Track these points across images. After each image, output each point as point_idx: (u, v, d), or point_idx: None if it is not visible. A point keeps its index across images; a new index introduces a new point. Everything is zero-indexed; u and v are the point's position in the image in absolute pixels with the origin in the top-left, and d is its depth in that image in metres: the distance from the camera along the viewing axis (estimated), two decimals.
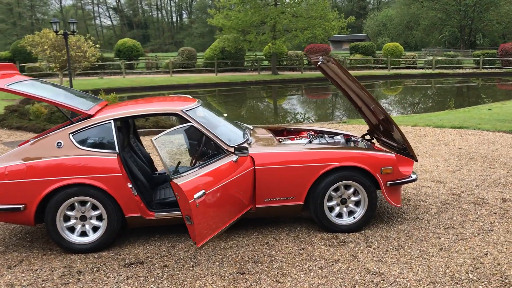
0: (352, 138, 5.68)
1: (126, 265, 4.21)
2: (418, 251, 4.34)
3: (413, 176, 4.96)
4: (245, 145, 4.72)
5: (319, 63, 5.09)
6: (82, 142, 4.52)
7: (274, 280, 3.89)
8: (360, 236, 4.72)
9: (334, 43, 58.03)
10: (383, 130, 5.42)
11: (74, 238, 4.48)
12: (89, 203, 4.44)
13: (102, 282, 3.92)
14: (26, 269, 4.18)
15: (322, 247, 4.49)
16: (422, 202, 5.66)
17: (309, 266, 4.11)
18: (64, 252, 4.50)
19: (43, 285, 3.89)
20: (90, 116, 4.64)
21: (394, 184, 4.80)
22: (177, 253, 4.43)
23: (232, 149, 4.52)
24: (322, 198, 4.70)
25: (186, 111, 4.62)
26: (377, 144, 5.86)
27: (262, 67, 36.10)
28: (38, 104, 11.70)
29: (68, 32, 11.11)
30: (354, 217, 4.84)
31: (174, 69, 34.25)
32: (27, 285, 3.89)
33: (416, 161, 5.24)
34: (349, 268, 4.06)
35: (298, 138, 5.64)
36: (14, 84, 4.53)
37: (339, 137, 5.50)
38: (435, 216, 5.17)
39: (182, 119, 4.63)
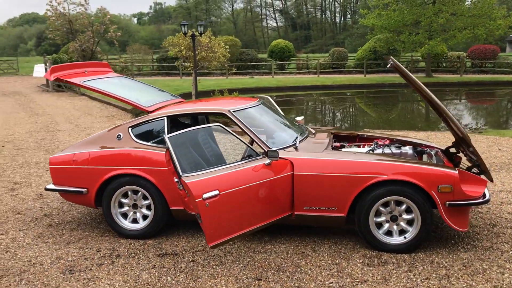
0: (428, 150, 5.12)
1: (160, 255, 4.42)
2: (464, 285, 3.77)
3: (483, 199, 4.29)
4: (291, 149, 4.59)
5: (388, 66, 4.70)
6: (138, 136, 4.86)
7: None
8: (408, 258, 4.25)
9: (511, 43, 52.37)
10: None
11: (126, 223, 4.85)
12: (140, 193, 4.77)
13: (130, 267, 4.19)
14: (79, 247, 4.66)
15: (358, 264, 4.17)
16: (509, 230, 4.87)
17: (330, 283, 3.85)
18: (116, 236, 4.90)
19: (83, 263, 4.30)
20: (149, 113, 4.97)
21: (455, 205, 4.21)
22: (211, 250, 4.51)
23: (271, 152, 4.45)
24: (367, 212, 4.34)
25: (233, 111, 4.66)
26: (464, 158, 5.19)
27: (417, 69, 34.13)
28: None
29: (196, 34, 11.98)
30: (405, 237, 4.39)
31: (324, 70, 34.29)
32: (71, 260, 4.34)
33: (491, 181, 4.53)
34: None
35: (364, 146, 5.27)
36: (89, 81, 5.05)
37: (407, 147, 5.00)
38: None
39: (229, 119, 4.69)
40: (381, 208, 4.37)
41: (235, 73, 33.67)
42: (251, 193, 4.05)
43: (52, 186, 5.03)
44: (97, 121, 13.25)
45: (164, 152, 4.65)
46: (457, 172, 4.21)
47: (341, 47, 43.53)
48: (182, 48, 13.04)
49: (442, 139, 9.66)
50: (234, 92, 12.17)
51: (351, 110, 22.05)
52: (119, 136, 4.90)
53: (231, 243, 4.65)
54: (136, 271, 4.12)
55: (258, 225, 4.16)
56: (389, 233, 4.45)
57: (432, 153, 4.95)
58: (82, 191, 4.85)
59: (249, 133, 4.55)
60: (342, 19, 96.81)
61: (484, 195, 4.36)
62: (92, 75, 5.42)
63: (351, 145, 5.35)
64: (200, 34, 12.29)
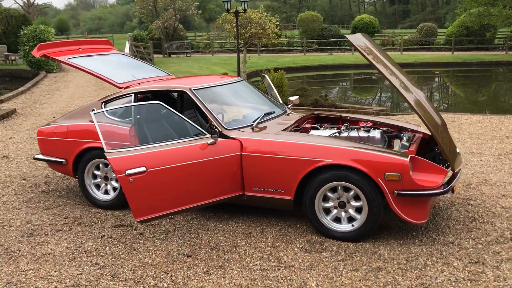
0: (404, 135, 4.78)
1: (115, 226, 4.65)
2: (390, 279, 3.55)
3: (442, 189, 3.96)
4: (247, 129, 4.55)
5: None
6: (109, 111, 5.07)
7: (204, 270, 3.77)
8: (352, 247, 4.07)
9: None
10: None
11: (98, 194, 5.14)
12: (109, 165, 5.00)
13: (82, 235, 4.46)
14: (53, 213, 5.03)
15: (295, 249, 4.07)
16: (487, 226, 4.45)
17: (254, 265, 3.82)
18: (90, 206, 5.20)
19: (45, 228, 4.65)
20: (121, 89, 5.16)
21: (404, 194, 3.93)
22: (164, 224, 4.64)
23: (226, 131, 4.45)
24: (313, 197, 4.20)
25: (194, 89, 4.69)
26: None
27: None
28: None
29: (240, 11, 11.96)
30: (352, 225, 4.19)
31: (410, 47, 32.61)
32: (37, 225, 4.71)
33: (453, 171, 4.15)
34: (288, 277, 3.62)
35: (342, 129, 5.04)
36: (74, 59, 5.34)
37: (376, 131, 4.69)
38: (484, 245, 4.05)
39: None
40: (329, 194, 4.21)
41: (315, 50, 33.18)
42: (189, 171, 4.09)
43: (40, 156, 5.45)
44: None
45: (129, 128, 4.83)
46: (407, 159, 3.91)
47: (440, 22, 40.84)
48: (234, 24, 13.10)
49: None
50: (280, 70, 12.07)
51: (432, 90, 20.80)
52: (93, 111, 5.14)
53: (188, 217, 4.75)
54: (84, 239, 4.38)
55: (198, 203, 4.21)
56: (337, 220, 4.28)
57: (405, 138, 4.61)
58: (62, 162, 5.20)
59: (206, 112, 4.57)
60: None
61: (445, 186, 4.02)
62: (85, 52, 5.71)
63: (326, 127, 5.15)
64: (244, 10, 12.26)
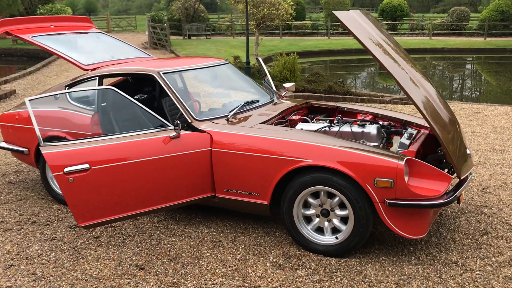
0: (405, 131, 4.07)
1: (71, 227, 4.13)
2: None
3: (445, 199, 3.28)
4: (221, 120, 3.93)
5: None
6: (72, 96, 4.52)
7: (156, 286, 3.20)
8: (334, 264, 3.44)
9: None
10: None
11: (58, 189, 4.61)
12: None
13: (31, 236, 3.96)
14: (10, 208, 4.55)
15: (267, 264, 3.46)
16: (501, 241, 3.75)
17: (214, 283, 3.23)
18: (52, 201, 4.69)
19: None
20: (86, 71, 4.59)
21: (397, 204, 3.26)
22: (128, 228, 4.09)
23: (196, 123, 3.85)
24: (291, 202, 3.58)
25: (162, 73, 4.08)
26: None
27: None
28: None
29: None
30: (336, 237, 3.55)
31: (440, 32, 31.17)
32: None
33: (459, 177, 3.45)
34: None
35: (337, 122, 4.36)
36: (38, 37, 4.79)
37: (373, 126, 3.98)
38: (495, 267, 3.37)
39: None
40: (310, 200, 3.57)
41: (340, 33, 32.07)
42: (145, 169, 3.51)
43: (2, 144, 4.96)
44: None
45: (90, 116, 4.27)
46: (402, 163, 3.23)
47: (474, 6, 39.04)
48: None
49: None
50: (292, 54, 11.33)
51: (461, 78, 19.63)
52: (56, 96, 4.60)
53: (155, 219, 4.19)
54: (31, 242, 3.86)
55: (157, 206, 3.63)
56: (320, 230, 3.64)
57: (406, 135, 3.91)
58: (24, 151, 4.69)
59: (174, 99, 3.96)
60: None
61: (448, 195, 3.34)
62: (57, 30, 5.16)
63: (318, 119, 4.48)
64: None
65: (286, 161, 3.49)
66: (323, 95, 10.40)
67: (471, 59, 24.79)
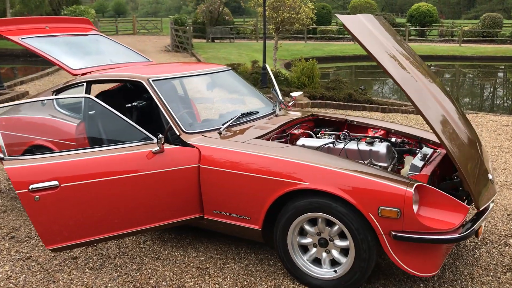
0: (420, 150, 3.61)
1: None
2: None
3: (460, 233, 2.83)
4: (213, 134, 3.56)
5: None
6: (59, 103, 4.22)
7: None
8: None
9: None
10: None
11: None
12: None
13: (5, 254, 3.64)
14: None
15: None
16: None
17: None
18: None
19: None
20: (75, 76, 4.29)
21: (404, 238, 2.83)
22: (110, 248, 3.75)
23: (185, 136, 3.49)
24: (285, 229, 3.18)
25: (153, 80, 3.74)
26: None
27: None
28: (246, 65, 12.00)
29: None
30: (335, 271, 3.13)
31: (471, 38, 30.20)
32: None
33: (477, 208, 2.99)
34: None
35: (343, 137, 3.94)
36: (29, 39, 4.52)
37: (383, 144, 3.53)
38: None
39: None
40: (307, 227, 3.16)
41: None
42: (123, 187, 3.16)
43: None
44: None
45: (75, 125, 3.96)
46: (411, 190, 2.79)
47: (508, 13, 37.84)
48: (266, 8, 11.95)
49: None
50: (311, 60, 10.90)
51: (492, 87, 18.81)
52: (43, 102, 4.31)
53: (141, 239, 3.84)
54: (3, 260, 3.56)
55: (136, 228, 3.27)
56: (317, 261, 3.23)
57: (419, 155, 3.45)
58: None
59: (162, 109, 3.61)
60: None
61: (463, 228, 2.89)
62: (52, 32, 4.88)
63: (324, 134, 4.06)
64: None
65: (280, 182, 3.10)
66: (341, 103, 9.94)
67: (503, 67, 23.86)
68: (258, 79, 10.93)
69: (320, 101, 9.93)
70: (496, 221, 4.21)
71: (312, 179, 3.01)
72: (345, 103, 9.93)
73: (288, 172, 3.08)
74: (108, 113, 3.26)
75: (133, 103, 5.01)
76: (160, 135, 3.21)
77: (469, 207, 2.91)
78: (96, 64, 4.60)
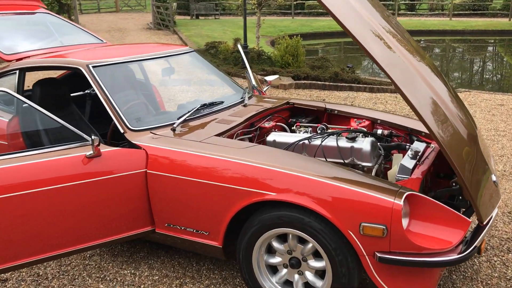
0: (410, 146, 3.07)
1: None
2: None
3: (449, 256, 2.30)
4: (165, 131, 2.98)
5: None
6: None
7: None
8: None
9: None
10: None
11: None
12: None
13: None
14: None
15: None
16: None
17: None
18: None
19: None
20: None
21: (391, 261, 2.30)
22: (49, 266, 3.20)
23: (129, 134, 2.92)
24: (249, 246, 2.64)
25: (93, 66, 3.13)
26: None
27: None
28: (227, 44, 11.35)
29: None
30: None
31: (462, 12, 29.53)
32: None
33: (481, 222, 2.46)
34: None
35: (320, 131, 3.38)
36: None
37: (367, 140, 2.98)
38: None
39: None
40: (276, 244, 2.63)
41: None
42: (54, 200, 2.59)
43: None
44: None
45: (6, 121, 3.36)
46: (401, 202, 2.25)
47: None
48: None
49: None
50: (295, 37, 10.24)
51: (482, 62, 18.26)
52: None
53: (87, 254, 3.29)
54: None
55: (74, 247, 2.71)
56: (288, 284, 2.70)
57: (409, 153, 2.90)
58: None
59: (103, 100, 3.02)
60: None
61: (463, 247, 2.36)
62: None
63: (300, 126, 3.50)
64: None
65: (243, 192, 2.54)
66: (327, 83, 9.34)
67: (493, 41, 23.31)
68: (239, 58, 10.29)
69: (305, 81, 9.33)
70: (496, 220, 3.71)
71: (280, 188, 2.46)
72: (331, 83, 9.33)
73: (252, 179, 2.53)
74: (29, 108, 2.66)
75: (87, 91, 4.42)
76: (94, 136, 2.63)
77: (470, 220, 2.37)
78: (38, 47, 3.98)
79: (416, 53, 2.94)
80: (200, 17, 27.41)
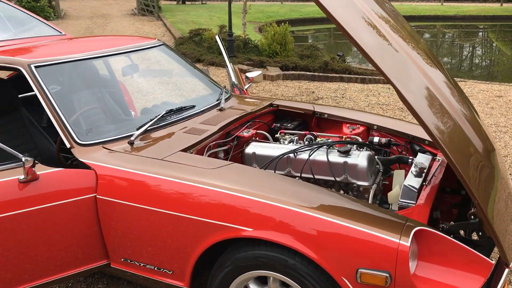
0: (414, 161, 2.59)
1: None
2: None
3: None
4: (121, 145, 2.48)
5: None
6: None
7: None
8: None
9: None
10: None
11: None
12: None
13: None
14: None
15: None
16: None
17: None
18: None
19: None
20: None
21: None
22: None
23: (78, 150, 2.40)
24: None
25: (36, 66, 2.60)
26: None
27: None
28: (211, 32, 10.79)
29: None
30: None
31: None
32: None
33: (507, 265, 1.99)
34: None
35: (303, 139, 2.89)
36: None
37: (361, 155, 2.50)
38: None
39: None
40: (253, 287, 2.15)
41: None
42: None
43: None
44: None
45: None
46: (408, 243, 1.78)
47: None
48: None
49: None
50: (283, 24, 9.69)
51: (473, 49, 17.83)
52: None
53: None
54: None
55: (22, 286, 2.22)
56: None
57: (414, 169, 2.42)
58: None
59: (46, 109, 2.50)
60: None
61: None
62: None
63: (284, 134, 3.01)
64: None
65: (212, 226, 2.06)
66: (316, 73, 8.83)
67: (483, 27, 22.88)
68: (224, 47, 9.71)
69: (293, 72, 8.81)
70: None
71: (258, 222, 1.97)
72: (321, 74, 8.83)
73: (224, 210, 2.04)
74: None
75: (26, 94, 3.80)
76: (27, 156, 2.11)
77: (492, 262, 1.91)
78: (16, 37, 3.46)
79: (410, 39, 2.46)
80: (186, 2, 26.64)
